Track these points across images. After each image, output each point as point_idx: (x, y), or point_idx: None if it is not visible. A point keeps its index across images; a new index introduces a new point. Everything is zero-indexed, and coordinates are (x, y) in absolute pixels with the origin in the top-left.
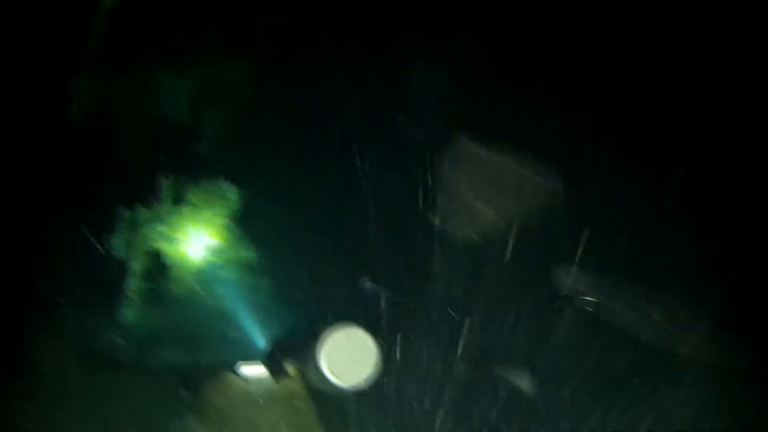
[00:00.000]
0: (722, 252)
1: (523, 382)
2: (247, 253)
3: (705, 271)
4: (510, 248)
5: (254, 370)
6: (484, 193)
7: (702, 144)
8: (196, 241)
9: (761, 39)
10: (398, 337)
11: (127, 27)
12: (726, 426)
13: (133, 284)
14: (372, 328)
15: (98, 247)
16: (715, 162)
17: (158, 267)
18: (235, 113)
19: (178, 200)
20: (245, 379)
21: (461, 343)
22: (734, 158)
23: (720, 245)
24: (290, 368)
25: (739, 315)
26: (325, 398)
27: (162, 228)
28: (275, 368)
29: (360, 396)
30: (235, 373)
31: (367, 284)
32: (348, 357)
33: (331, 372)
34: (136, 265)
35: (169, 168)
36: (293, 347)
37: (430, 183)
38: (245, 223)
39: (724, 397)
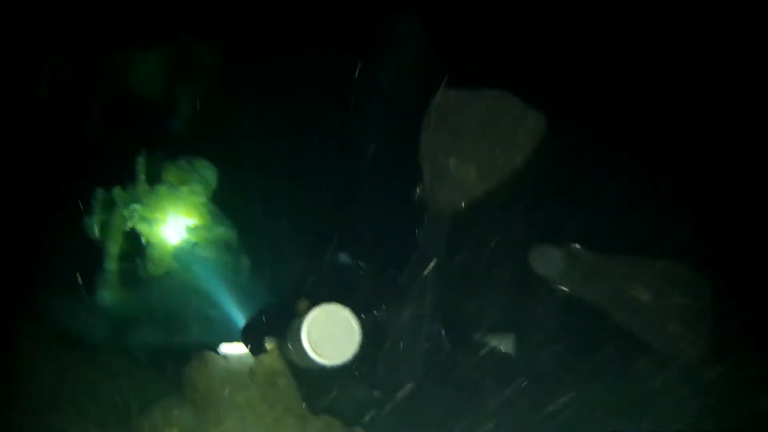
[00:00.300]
0: (710, 235)
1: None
2: (225, 232)
3: (693, 254)
4: (492, 221)
5: (234, 349)
6: (466, 162)
7: (689, 127)
8: (173, 220)
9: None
10: (378, 310)
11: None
12: (703, 405)
13: (110, 265)
14: (352, 303)
15: (73, 227)
16: (700, 143)
17: (135, 247)
18: (212, 90)
19: (154, 179)
20: (225, 359)
21: (441, 316)
22: (718, 141)
23: (708, 228)
24: (269, 345)
25: (725, 300)
26: (307, 375)
27: (138, 208)
28: (253, 345)
29: (341, 372)
30: (214, 352)
31: (345, 258)
32: (330, 334)
33: (313, 350)
34: (113, 245)
35: (145, 147)
36: (271, 324)
37: (409, 153)
38: (223, 202)
39: (705, 378)
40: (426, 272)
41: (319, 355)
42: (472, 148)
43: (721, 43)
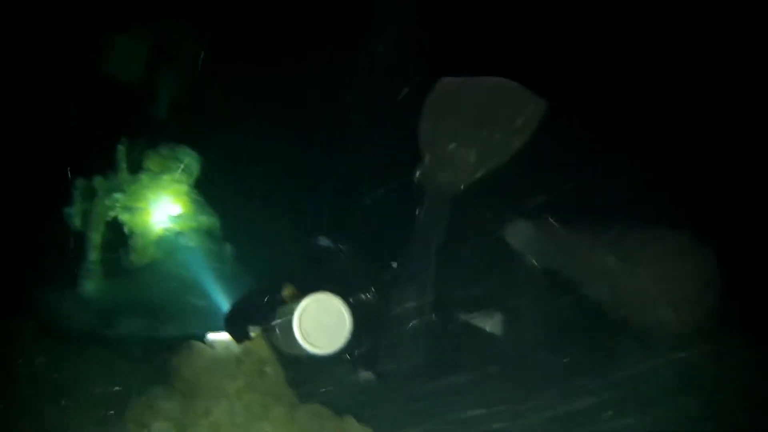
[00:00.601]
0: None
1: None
2: (208, 220)
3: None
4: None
5: (220, 338)
6: (450, 140)
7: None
8: (156, 208)
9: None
10: (364, 294)
11: None
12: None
13: (93, 255)
14: (336, 287)
15: (55, 217)
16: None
17: (118, 237)
18: (194, 75)
19: (135, 167)
20: (212, 348)
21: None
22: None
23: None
24: (255, 333)
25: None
26: (296, 363)
27: (120, 196)
28: (237, 333)
29: (331, 359)
30: (200, 341)
31: (327, 242)
32: (321, 324)
33: (305, 340)
34: (95, 235)
35: (126, 134)
36: (255, 311)
37: (394, 135)
38: (206, 189)
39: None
40: (415, 255)
41: (311, 345)
42: (472, 132)
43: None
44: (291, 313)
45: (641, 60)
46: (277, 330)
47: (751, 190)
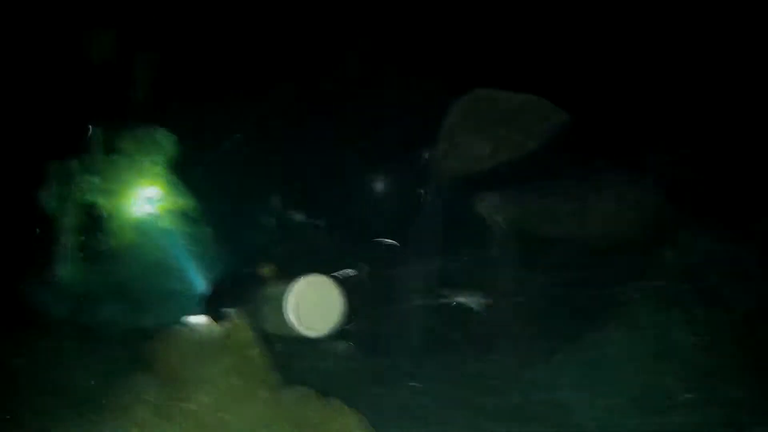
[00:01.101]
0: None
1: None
2: (185, 202)
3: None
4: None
5: (200, 321)
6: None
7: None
8: (132, 191)
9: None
10: (346, 272)
11: None
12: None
13: (68, 240)
14: (314, 265)
15: (29, 201)
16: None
17: (93, 220)
18: (169, 57)
19: (111, 149)
20: (193, 331)
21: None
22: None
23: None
24: (236, 315)
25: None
26: (280, 345)
27: (95, 179)
28: (216, 314)
29: (314, 341)
30: (180, 325)
31: (303, 219)
32: (314, 306)
33: (299, 322)
34: (69, 219)
35: (102, 115)
36: (235, 291)
37: (367, 117)
38: (182, 171)
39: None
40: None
41: (304, 327)
42: (493, 131)
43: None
44: (282, 295)
45: None
46: (267, 311)
47: None
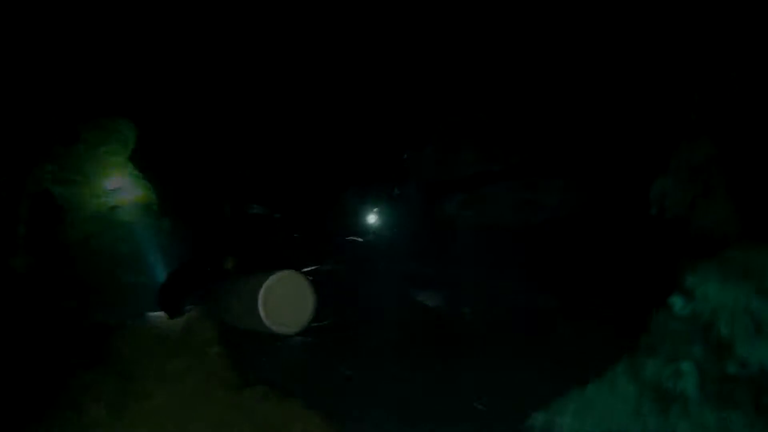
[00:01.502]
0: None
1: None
2: (146, 193)
3: None
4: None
5: (159, 316)
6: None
7: None
8: (91, 182)
9: None
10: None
11: None
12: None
13: (23, 231)
14: (277, 260)
15: None
16: None
17: (50, 211)
18: (133, 45)
19: (70, 138)
20: (151, 327)
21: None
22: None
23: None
24: (198, 310)
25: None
26: (238, 342)
27: (53, 168)
28: (171, 308)
29: (273, 336)
30: (140, 320)
31: (261, 209)
32: (286, 303)
33: (270, 319)
34: (25, 209)
35: (62, 104)
36: (192, 285)
37: (341, 113)
38: (143, 162)
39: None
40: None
41: (276, 324)
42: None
43: None
44: (254, 291)
45: None
46: (236, 308)
47: None
